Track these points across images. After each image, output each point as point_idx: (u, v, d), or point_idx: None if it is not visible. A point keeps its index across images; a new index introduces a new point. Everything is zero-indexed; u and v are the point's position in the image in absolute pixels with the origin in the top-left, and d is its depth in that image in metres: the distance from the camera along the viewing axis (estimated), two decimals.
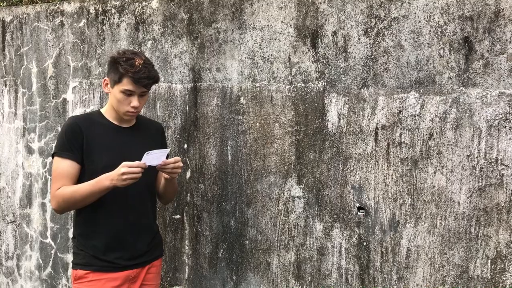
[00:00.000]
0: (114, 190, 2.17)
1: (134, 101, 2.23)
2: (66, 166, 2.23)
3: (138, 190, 2.27)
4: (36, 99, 3.41)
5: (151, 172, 2.26)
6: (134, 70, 2.17)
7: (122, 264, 2.26)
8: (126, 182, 2.10)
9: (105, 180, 2.13)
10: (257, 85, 2.39)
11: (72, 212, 2.51)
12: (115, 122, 2.33)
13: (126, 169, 2.08)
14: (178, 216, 2.75)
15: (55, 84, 3.30)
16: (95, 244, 2.26)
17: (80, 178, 2.24)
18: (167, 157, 2.21)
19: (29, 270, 3.57)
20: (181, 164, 2.21)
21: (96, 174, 2.18)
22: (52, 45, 3.27)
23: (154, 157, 2.14)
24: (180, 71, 2.68)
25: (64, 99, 3.25)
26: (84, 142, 2.24)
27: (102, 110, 2.37)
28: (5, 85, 3.63)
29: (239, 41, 2.44)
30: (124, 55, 2.23)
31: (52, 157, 2.30)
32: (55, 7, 3.25)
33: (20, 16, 3.48)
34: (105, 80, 2.29)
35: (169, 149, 2.30)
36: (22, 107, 3.51)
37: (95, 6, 3.03)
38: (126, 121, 2.35)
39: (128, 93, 2.22)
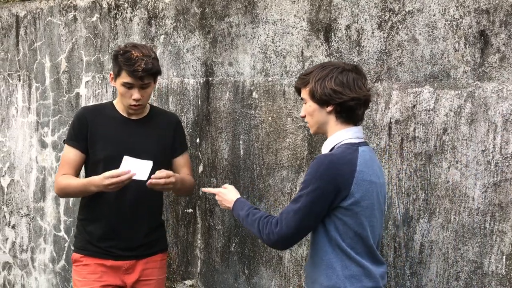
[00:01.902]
0: None
1: (135, 94, 2.26)
2: (70, 154, 2.35)
3: (138, 183, 2.29)
4: (50, 94, 3.44)
5: (155, 165, 2.29)
6: (129, 63, 2.21)
7: (115, 253, 2.32)
8: (113, 189, 2.16)
9: (91, 185, 2.21)
10: (270, 79, 2.39)
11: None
12: (124, 114, 2.38)
13: (109, 181, 2.13)
14: (190, 210, 2.76)
15: (68, 78, 3.32)
16: (91, 230, 2.34)
17: (85, 166, 2.37)
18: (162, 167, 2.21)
19: (43, 263, 3.61)
20: (173, 179, 2.20)
21: (98, 164, 2.29)
22: (65, 39, 3.29)
23: (137, 167, 2.15)
24: (192, 66, 2.68)
25: (77, 94, 3.27)
26: (88, 132, 2.33)
27: (114, 102, 2.42)
28: (19, 80, 3.66)
29: (251, 35, 2.43)
30: (123, 49, 2.28)
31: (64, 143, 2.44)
32: (68, 2, 3.26)
33: (34, 11, 3.50)
34: (110, 74, 2.36)
35: (151, 162, 2.19)
36: (35, 101, 3.54)
37: (108, 0, 3.04)
38: (135, 113, 2.37)
39: (128, 86, 2.26)
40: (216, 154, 2.62)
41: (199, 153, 2.69)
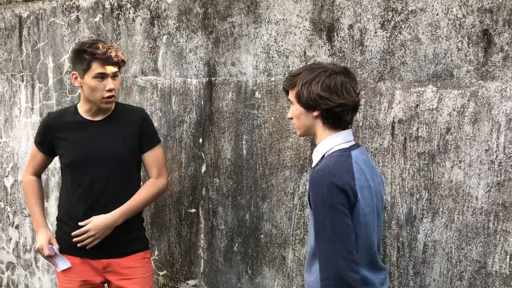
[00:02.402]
0: (82, 185, 2.37)
1: (109, 84, 2.30)
2: (35, 154, 2.54)
3: (105, 186, 2.37)
4: (53, 94, 3.45)
5: (124, 169, 2.38)
6: (101, 51, 2.25)
7: (90, 251, 2.38)
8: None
9: (36, 228, 2.49)
10: (272, 79, 2.39)
11: None
12: (86, 116, 2.42)
13: (37, 249, 2.43)
14: (193, 210, 2.76)
15: (71, 79, 3.32)
16: (67, 230, 2.42)
17: (60, 167, 2.50)
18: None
19: (47, 263, 3.62)
20: (90, 232, 2.32)
21: (67, 168, 2.42)
22: (68, 40, 3.30)
23: (61, 258, 2.40)
24: (195, 66, 2.68)
25: (80, 94, 3.27)
26: (53, 138, 2.44)
27: (78, 105, 2.47)
28: (22, 80, 3.67)
29: (254, 35, 2.43)
30: (86, 43, 2.33)
31: None
32: (71, 3, 3.27)
33: (37, 12, 3.51)
34: (73, 74, 2.37)
35: (70, 265, 2.41)
36: (38, 102, 3.55)
37: (111, 1, 3.05)
38: (102, 112, 2.39)
39: (100, 77, 2.29)
40: (219, 154, 2.62)
41: (202, 153, 2.69)
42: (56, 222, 2.57)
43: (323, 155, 1.73)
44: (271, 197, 2.43)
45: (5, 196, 3.91)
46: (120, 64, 2.33)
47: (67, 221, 2.44)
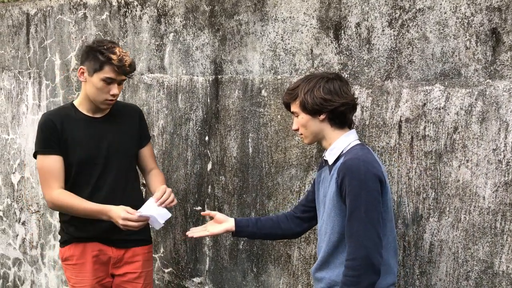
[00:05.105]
0: (91, 183, 2.31)
1: (114, 89, 2.28)
2: (52, 162, 2.28)
3: (115, 182, 2.36)
4: (59, 91, 3.46)
5: (131, 163, 2.39)
6: (117, 58, 2.23)
7: (105, 237, 2.35)
8: (124, 228, 2.20)
9: (104, 215, 2.22)
10: (279, 77, 2.38)
11: None
12: (87, 114, 2.38)
13: (124, 222, 2.16)
14: (199, 208, 2.76)
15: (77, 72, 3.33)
16: (76, 224, 2.35)
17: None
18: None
19: (53, 259, 3.64)
20: (172, 196, 2.21)
21: (72, 167, 2.29)
22: (75, 37, 3.31)
23: (157, 213, 2.17)
24: (201, 64, 2.68)
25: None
26: (61, 136, 2.30)
27: (75, 103, 2.41)
28: (29, 77, 3.68)
29: (261, 33, 2.43)
30: (103, 44, 2.28)
31: (35, 157, 2.34)
32: (78, 0, 3.27)
33: (44, 9, 3.52)
34: (81, 69, 2.32)
35: (170, 214, 2.24)
36: (45, 99, 3.57)
37: None
38: (101, 110, 2.38)
39: (108, 81, 2.26)
40: (225, 152, 2.62)
41: (208, 151, 2.69)
42: (63, 223, 2.43)
43: (341, 152, 1.84)
44: (276, 195, 2.43)
45: (12, 193, 3.93)
46: (130, 74, 2.32)
47: (76, 218, 2.32)
